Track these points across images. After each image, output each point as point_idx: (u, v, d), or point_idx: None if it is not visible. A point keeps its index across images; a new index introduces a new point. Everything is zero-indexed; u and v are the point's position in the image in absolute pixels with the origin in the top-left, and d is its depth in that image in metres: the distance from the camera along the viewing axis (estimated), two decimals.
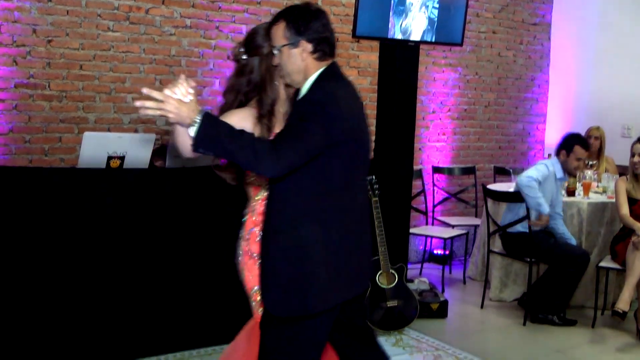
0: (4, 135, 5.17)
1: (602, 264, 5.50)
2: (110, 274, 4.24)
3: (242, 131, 2.52)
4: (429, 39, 5.37)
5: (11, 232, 3.97)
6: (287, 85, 2.89)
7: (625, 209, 5.39)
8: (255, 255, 2.95)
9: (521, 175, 5.40)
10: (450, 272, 6.87)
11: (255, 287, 2.98)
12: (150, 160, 4.48)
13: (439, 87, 7.37)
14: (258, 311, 3.01)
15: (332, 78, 2.70)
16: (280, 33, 2.71)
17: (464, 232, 6.66)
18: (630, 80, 7.38)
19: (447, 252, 6.79)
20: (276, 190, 2.68)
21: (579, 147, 5.52)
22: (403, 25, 5.20)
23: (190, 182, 4.50)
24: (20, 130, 5.24)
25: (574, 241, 5.60)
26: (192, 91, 2.48)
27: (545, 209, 5.32)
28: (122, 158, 4.26)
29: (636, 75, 7.35)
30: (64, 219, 4.11)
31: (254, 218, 3.00)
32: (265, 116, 2.93)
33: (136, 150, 4.31)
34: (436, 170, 7.25)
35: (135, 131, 5.65)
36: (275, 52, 2.74)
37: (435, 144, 7.42)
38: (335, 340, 2.97)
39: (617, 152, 6.80)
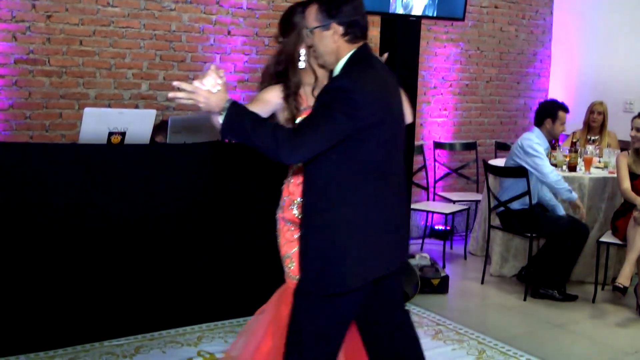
0: (4, 111, 5.16)
1: (603, 239, 5.51)
2: (110, 249, 4.25)
3: (264, 120, 2.65)
4: (430, 14, 5.34)
5: (12, 209, 3.98)
6: (321, 66, 2.97)
7: (626, 184, 5.39)
8: (288, 222, 3.11)
9: (546, 174, 5.43)
10: (451, 248, 6.89)
11: (288, 253, 3.13)
12: (151, 136, 4.47)
13: (440, 63, 7.34)
14: (289, 277, 3.14)
15: (362, 61, 2.76)
16: (312, 15, 2.77)
17: (465, 207, 6.67)
18: (633, 55, 7.35)
19: (448, 228, 6.79)
20: (309, 173, 2.76)
21: (562, 111, 5.63)
22: (404, 0, 5.16)
23: (192, 157, 4.49)
24: (20, 106, 5.23)
25: (561, 209, 5.59)
26: (220, 81, 2.59)
27: (574, 195, 5.48)
28: (123, 134, 4.25)
29: (639, 50, 7.31)
30: (64, 195, 4.11)
31: (289, 187, 3.15)
32: (290, 96, 3.06)
33: (137, 126, 4.30)
34: (437, 145, 7.23)
35: (136, 107, 5.64)
36: (308, 33, 2.81)
37: (437, 120, 7.41)
38: (364, 318, 2.99)
39: (620, 127, 6.78)
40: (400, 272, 3.02)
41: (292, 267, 3.13)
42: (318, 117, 2.61)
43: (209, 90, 2.57)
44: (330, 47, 2.76)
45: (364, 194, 2.69)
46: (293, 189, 3.10)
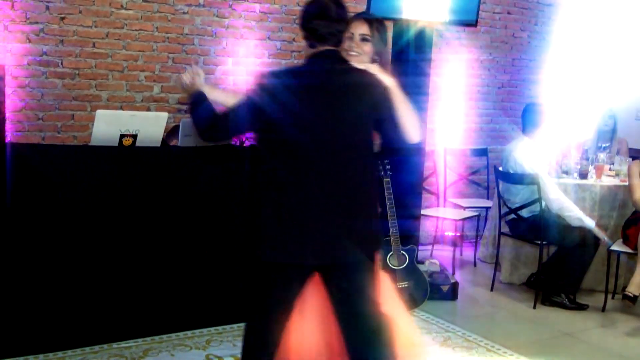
0: (17, 112, 5.19)
1: (614, 247, 5.47)
2: (120, 251, 4.26)
3: (213, 109, 3.02)
4: (443, 20, 5.34)
5: (22, 209, 3.99)
6: None
7: (638, 194, 5.35)
8: None
9: (551, 200, 5.38)
10: (461, 254, 6.88)
11: None
12: (164, 140, 4.48)
13: (452, 68, 7.33)
14: None
15: (306, 62, 2.96)
16: None
17: (475, 214, 6.65)
18: None
19: (458, 234, 6.78)
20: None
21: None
22: (416, 6, 5.17)
23: (202, 160, 4.50)
24: (33, 108, 5.25)
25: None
26: (194, 78, 3.20)
27: (589, 221, 5.40)
28: (134, 136, 4.27)
29: None
30: (75, 196, 4.12)
31: None
32: None
33: (149, 128, 4.31)
34: (448, 151, 7.22)
35: (148, 109, 5.66)
36: None
37: (448, 125, 7.39)
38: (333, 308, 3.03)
39: (631, 135, 6.76)
40: (346, 272, 2.95)
41: None
42: (238, 101, 2.96)
43: (187, 83, 3.18)
44: (305, 50, 3.01)
45: (282, 182, 2.86)
46: None
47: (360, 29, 3.30)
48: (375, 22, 3.37)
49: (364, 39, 3.29)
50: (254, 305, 3.05)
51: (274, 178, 2.87)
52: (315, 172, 2.84)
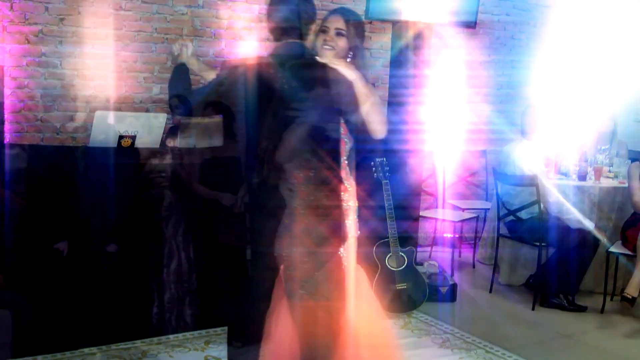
0: (16, 113, 5.18)
1: (613, 249, 5.47)
2: (119, 251, 4.26)
3: (189, 83, 3.23)
4: (441, 21, 5.34)
5: (21, 210, 3.99)
6: None
7: (638, 196, 5.34)
8: None
9: (550, 203, 5.39)
10: (459, 256, 6.87)
11: None
12: (162, 140, 4.48)
13: (451, 69, 7.31)
14: None
15: (269, 54, 3.12)
16: None
17: (474, 215, 6.65)
18: None
19: (457, 236, 6.78)
20: None
21: None
22: (415, 7, 5.17)
23: (200, 161, 4.50)
24: (32, 108, 5.25)
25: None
26: (181, 50, 3.33)
27: (589, 223, 5.41)
28: (133, 137, 4.27)
29: None
30: (73, 196, 4.12)
31: None
32: None
33: (147, 129, 4.31)
34: (447, 153, 7.21)
35: (147, 111, 5.65)
36: None
37: (447, 127, 7.38)
38: None
39: (630, 137, 6.76)
40: (300, 265, 3.05)
41: None
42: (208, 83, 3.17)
43: (174, 54, 3.33)
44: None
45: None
46: None
47: (336, 23, 3.26)
48: (352, 18, 3.34)
49: (338, 34, 3.24)
50: None
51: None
52: (270, 162, 2.91)
